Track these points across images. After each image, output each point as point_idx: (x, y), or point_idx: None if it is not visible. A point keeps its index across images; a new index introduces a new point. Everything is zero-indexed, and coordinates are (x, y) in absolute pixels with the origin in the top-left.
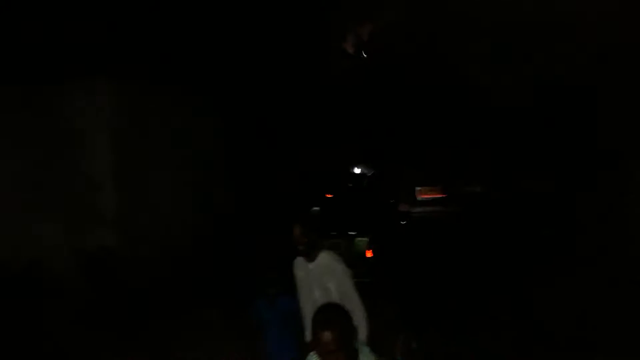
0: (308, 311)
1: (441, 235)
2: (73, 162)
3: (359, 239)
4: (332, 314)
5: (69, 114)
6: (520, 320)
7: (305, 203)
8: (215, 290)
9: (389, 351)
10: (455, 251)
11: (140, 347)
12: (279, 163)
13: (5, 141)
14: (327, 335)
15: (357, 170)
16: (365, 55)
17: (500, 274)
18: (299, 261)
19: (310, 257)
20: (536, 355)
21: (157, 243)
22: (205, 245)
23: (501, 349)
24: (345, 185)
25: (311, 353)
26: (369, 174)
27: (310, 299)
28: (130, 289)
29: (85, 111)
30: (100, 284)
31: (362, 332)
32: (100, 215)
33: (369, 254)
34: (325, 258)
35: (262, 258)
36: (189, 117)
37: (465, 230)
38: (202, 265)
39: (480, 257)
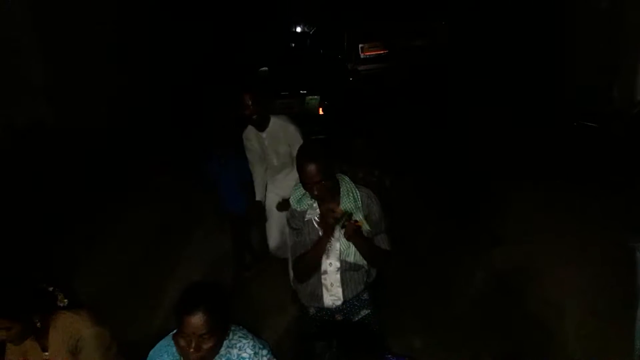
0: (261, 177)
1: (387, 90)
2: None
3: (310, 97)
4: (314, 148)
5: None
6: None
7: (253, 64)
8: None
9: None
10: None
11: (89, 218)
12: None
13: None
14: (312, 167)
15: (298, 30)
16: None
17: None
18: (250, 131)
19: (262, 126)
20: None
21: (91, 114)
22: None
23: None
24: (288, 44)
25: (296, 186)
26: (311, 32)
27: (264, 166)
28: (69, 162)
29: None
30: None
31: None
32: (29, 87)
33: (320, 111)
34: (277, 124)
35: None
36: None
37: (409, 85)
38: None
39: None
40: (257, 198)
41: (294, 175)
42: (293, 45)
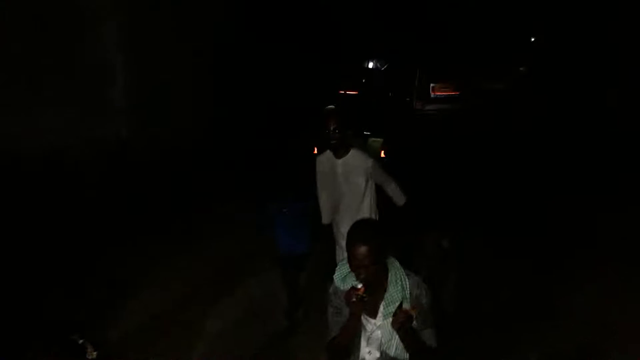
0: (328, 202)
1: (455, 133)
2: (82, 51)
3: (373, 139)
4: (368, 229)
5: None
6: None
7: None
8: (229, 185)
9: (420, 253)
10: (471, 149)
11: (164, 239)
12: (292, 59)
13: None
14: (362, 250)
15: (370, 65)
16: None
17: (516, 170)
18: (326, 157)
19: (340, 153)
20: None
21: (170, 135)
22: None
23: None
24: (360, 81)
25: (342, 262)
26: (383, 69)
27: (335, 194)
28: (146, 180)
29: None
30: (118, 175)
31: (401, 199)
32: (113, 106)
33: (382, 154)
34: (356, 155)
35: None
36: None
37: (480, 127)
38: (215, 159)
39: (497, 154)
40: (324, 221)
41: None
42: (364, 81)
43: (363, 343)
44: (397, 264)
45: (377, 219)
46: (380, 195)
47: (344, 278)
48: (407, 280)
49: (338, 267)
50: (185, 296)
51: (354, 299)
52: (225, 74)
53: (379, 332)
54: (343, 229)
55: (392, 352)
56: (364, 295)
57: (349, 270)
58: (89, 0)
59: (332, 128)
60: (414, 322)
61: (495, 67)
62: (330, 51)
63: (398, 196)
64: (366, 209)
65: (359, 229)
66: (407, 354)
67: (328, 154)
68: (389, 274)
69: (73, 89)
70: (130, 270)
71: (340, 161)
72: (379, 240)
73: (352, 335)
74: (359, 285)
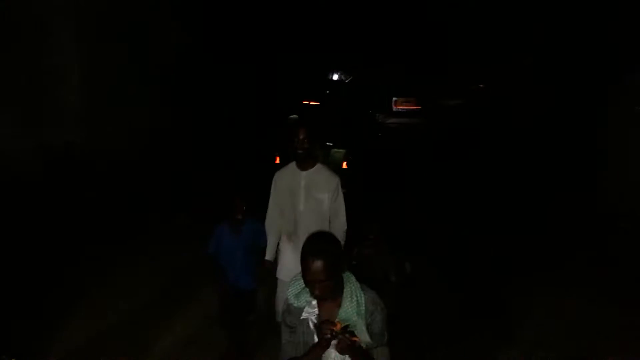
0: (285, 219)
1: (417, 147)
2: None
3: (336, 150)
4: (323, 242)
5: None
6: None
7: (281, 111)
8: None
9: (381, 273)
10: (434, 163)
11: (115, 240)
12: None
13: None
14: (317, 264)
15: (335, 77)
16: None
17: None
18: (289, 170)
19: (306, 165)
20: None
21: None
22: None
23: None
24: (323, 92)
25: (295, 278)
26: (347, 81)
27: (293, 214)
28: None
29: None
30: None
31: (340, 238)
32: (65, 110)
33: (345, 165)
34: (322, 169)
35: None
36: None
37: (440, 142)
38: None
39: (458, 167)
40: (267, 257)
41: None
42: (328, 92)
43: None
44: (353, 278)
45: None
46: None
47: (297, 294)
48: (362, 295)
49: (292, 282)
50: (141, 303)
51: (328, 335)
52: (184, 81)
53: (333, 352)
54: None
55: None
56: (339, 332)
57: (303, 286)
58: (40, 5)
59: (301, 138)
60: (366, 340)
61: (454, 83)
62: (295, 62)
63: (339, 235)
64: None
65: (314, 242)
66: None
67: (291, 166)
68: (345, 290)
69: (21, 93)
70: (79, 278)
71: (304, 173)
72: (334, 254)
73: None
74: (337, 322)
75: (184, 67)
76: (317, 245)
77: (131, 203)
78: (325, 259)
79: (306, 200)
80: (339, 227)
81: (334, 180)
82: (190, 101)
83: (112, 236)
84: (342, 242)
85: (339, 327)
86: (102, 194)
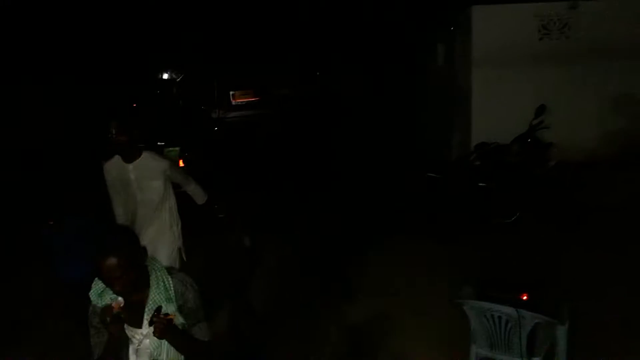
0: (125, 217)
1: (258, 136)
2: None
3: (169, 149)
4: (112, 239)
5: None
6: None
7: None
8: None
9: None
10: (268, 151)
11: None
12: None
13: None
14: (110, 262)
15: (165, 76)
16: None
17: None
18: (115, 163)
19: (130, 157)
20: None
21: None
22: None
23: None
24: (154, 93)
25: (96, 280)
26: (178, 79)
27: (130, 204)
28: None
29: None
30: None
31: (201, 198)
32: None
33: (181, 163)
34: (149, 158)
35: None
36: None
37: (280, 131)
38: None
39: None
40: None
41: (161, 226)
42: (158, 92)
43: (132, 357)
44: (158, 264)
45: (179, 226)
46: (183, 197)
47: (100, 294)
48: (169, 279)
49: (94, 283)
50: None
51: (108, 319)
52: None
53: (147, 341)
54: (145, 242)
55: (164, 358)
56: (120, 312)
57: (104, 286)
58: None
59: (114, 132)
60: (179, 321)
61: (282, 73)
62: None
63: (199, 195)
64: (166, 217)
65: (101, 241)
66: (182, 356)
67: (117, 159)
68: (150, 278)
69: None
70: None
71: (131, 166)
72: (127, 248)
73: (110, 356)
74: (114, 302)
75: None
76: (105, 243)
77: None
78: (115, 254)
79: (140, 191)
80: (196, 190)
81: (163, 165)
82: None
83: None
84: (204, 196)
85: (117, 307)
86: None
